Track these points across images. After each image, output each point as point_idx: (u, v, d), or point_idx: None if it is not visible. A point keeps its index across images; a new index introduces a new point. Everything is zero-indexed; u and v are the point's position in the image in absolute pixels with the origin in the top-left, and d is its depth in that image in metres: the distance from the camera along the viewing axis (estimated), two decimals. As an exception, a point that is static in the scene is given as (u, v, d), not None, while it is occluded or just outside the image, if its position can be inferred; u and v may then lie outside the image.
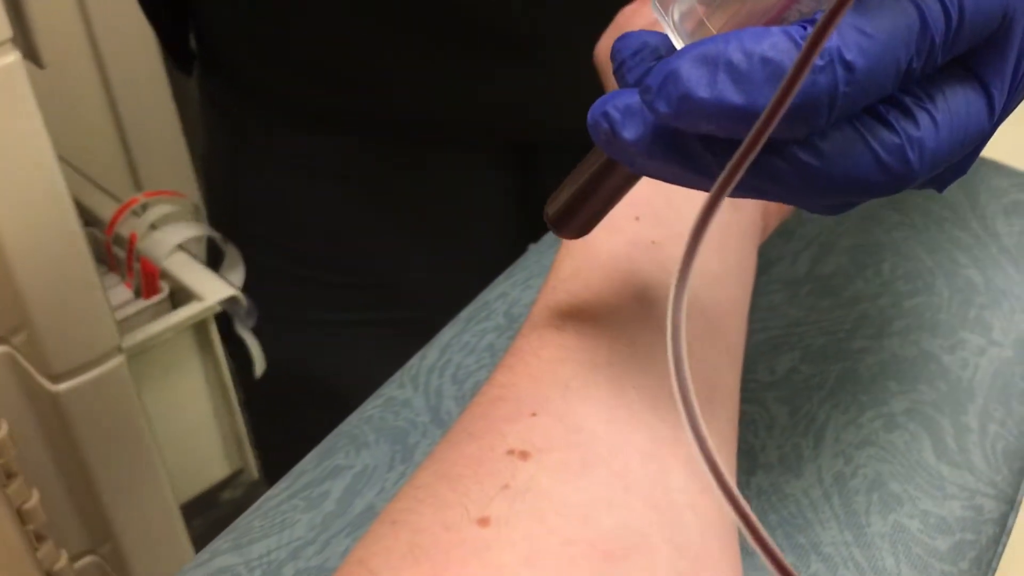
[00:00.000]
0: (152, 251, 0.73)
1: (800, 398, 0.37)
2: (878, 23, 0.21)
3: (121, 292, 0.73)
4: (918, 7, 0.22)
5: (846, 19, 0.21)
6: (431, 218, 0.64)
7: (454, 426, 0.30)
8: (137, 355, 0.66)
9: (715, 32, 0.23)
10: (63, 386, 0.58)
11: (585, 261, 0.35)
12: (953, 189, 0.47)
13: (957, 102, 0.24)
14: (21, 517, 0.51)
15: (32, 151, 0.53)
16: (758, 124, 0.19)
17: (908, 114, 0.23)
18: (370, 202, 0.63)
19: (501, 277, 0.46)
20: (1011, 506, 0.36)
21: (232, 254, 0.72)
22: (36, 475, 0.60)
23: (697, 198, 0.37)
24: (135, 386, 0.62)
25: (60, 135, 0.56)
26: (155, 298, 0.72)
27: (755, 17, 0.23)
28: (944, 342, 0.39)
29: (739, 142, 0.22)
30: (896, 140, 0.23)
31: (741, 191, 0.24)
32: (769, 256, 0.44)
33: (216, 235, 0.72)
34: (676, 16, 0.24)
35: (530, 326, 0.33)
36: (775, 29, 0.21)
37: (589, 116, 0.24)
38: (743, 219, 0.38)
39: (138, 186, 1.02)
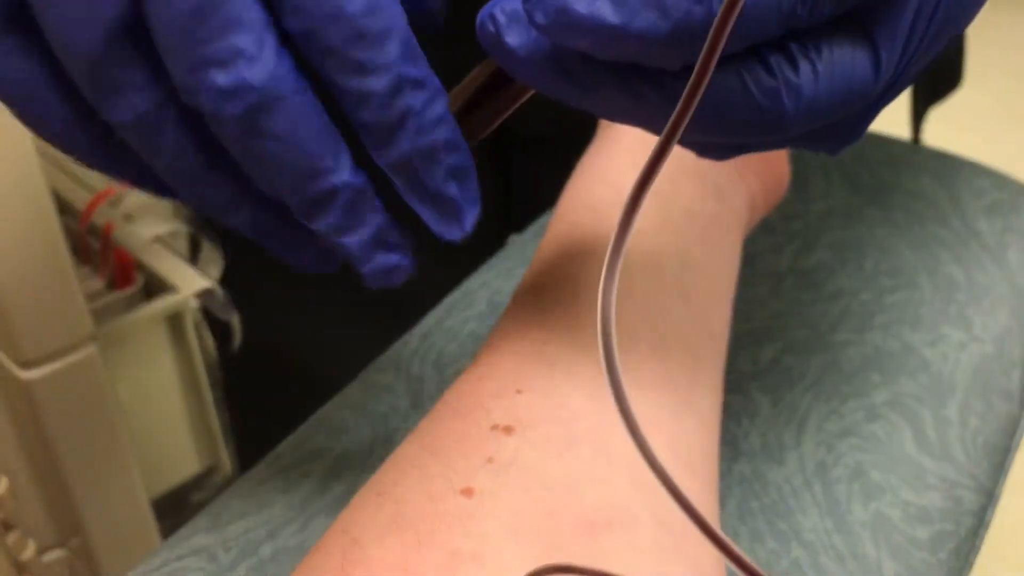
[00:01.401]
0: (127, 242, 0.72)
1: (783, 388, 0.37)
2: None
3: (94, 282, 0.73)
4: None
5: None
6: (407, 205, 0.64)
7: (438, 403, 0.30)
8: (110, 346, 0.65)
9: None
10: (34, 373, 0.57)
11: (570, 246, 0.35)
12: (935, 187, 0.47)
13: (843, 56, 0.23)
14: (-11, 503, 0.50)
15: (9, 138, 0.52)
16: (693, 79, 0.19)
17: (790, 60, 0.23)
18: None
19: (484, 267, 0.46)
20: (989, 499, 0.36)
21: (210, 247, 0.71)
22: (3, 464, 0.59)
23: (684, 184, 0.37)
24: (108, 377, 0.61)
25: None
26: (128, 289, 0.71)
27: None
28: (926, 336, 0.40)
29: (616, 64, 0.23)
30: (772, 83, 0.23)
31: (619, 119, 0.24)
32: (752, 249, 0.44)
33: (194, 229, 0.71)
34: None
35: (515, 307, 0.33)
36: None
37: (478, 17, 0.24)
38: (728, 210, 0.38)
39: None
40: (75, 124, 0.25)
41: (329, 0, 0.23)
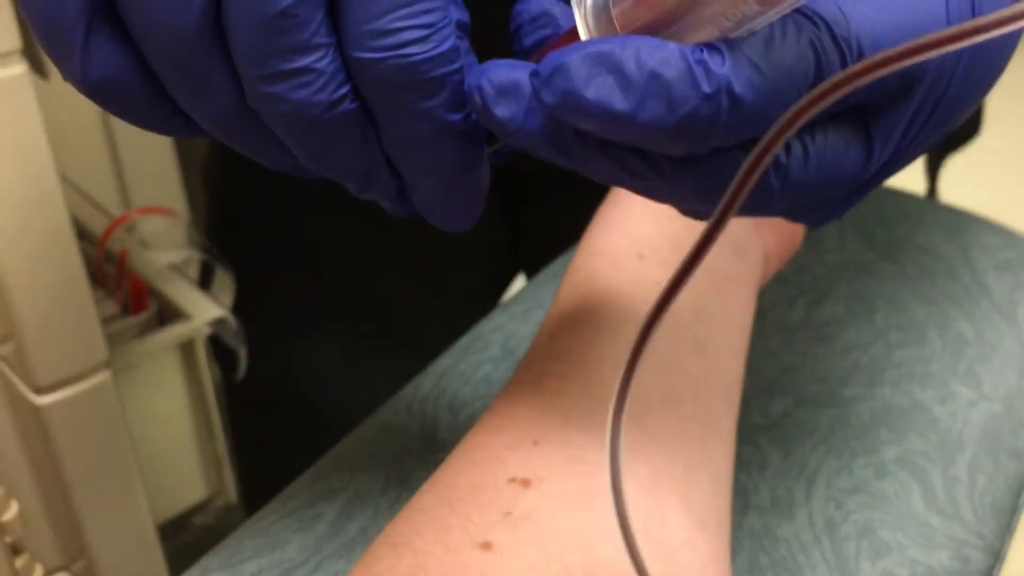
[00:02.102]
0: (142, 268, 0.73)
1: (793, 442, 0.37)
2: (774, 60, 0.21)
3: (108, 307, 0.73)
4: (816, 53, 0.22)
5: (744, 47, 0.21)
6: (415, 240, 0.64)
7: (454, 453, 0.30)
8: (122, 371, 0.66)
9: (619, 30, 0.23)
10: (47, 399, 0.57)
11: (588, 297, 0.35)
12: (946, 244, 0.48)
13: (836, 144, 0.24)
14: (1, 528, 0.50)
15: (33, 162, 0.53)
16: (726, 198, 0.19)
17: (784, 144, 0.23)
18: (356, 214, 0.62)
19: (497, 310, 0.46)
20: (996, 558, 0.36)
21: (223, 275, 0.71)
22: (13, 488, 0.59)
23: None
24: (119, 402, 0.62)
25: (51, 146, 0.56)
26: (142, 315, 0.72)
27: (661, 22, 0.23)
28: (935, 393, 0.40)
29: (611, 143, 0.23)
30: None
31: (611, 184, 0.25)
32: (765, 301, 0.44)
33: (207, 256, 0.72)
34: (589, 1, 0.24)
35: (531, 357, 0.34)
36: (673, 46, 0.21)
37: (466, 84, 0.24)
38: (744, 265, 0.39)
39: (125, 199, 1.02)
40: (161, 113, 0.25)
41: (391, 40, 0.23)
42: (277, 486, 0.41)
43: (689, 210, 0.26)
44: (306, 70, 0.23)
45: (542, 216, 0.66)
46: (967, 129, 0.59)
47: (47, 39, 0.24)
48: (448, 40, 0.23)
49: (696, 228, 0.38)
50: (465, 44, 0.26)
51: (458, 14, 0.25)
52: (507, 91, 0.23)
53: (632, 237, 0.38)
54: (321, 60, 0.23)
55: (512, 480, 0.27)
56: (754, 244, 0.39)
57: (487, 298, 0.69)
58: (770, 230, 0.41)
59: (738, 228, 0.39)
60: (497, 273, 0.71)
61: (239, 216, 0.68)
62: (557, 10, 0.26)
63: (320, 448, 0.41)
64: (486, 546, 0.25)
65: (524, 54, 0.27)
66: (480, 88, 0.24)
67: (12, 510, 0.52)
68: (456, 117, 0.24)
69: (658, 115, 0.21)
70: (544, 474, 0.28)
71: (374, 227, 0.63)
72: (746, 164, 0.18)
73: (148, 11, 0.22)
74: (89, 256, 0.74)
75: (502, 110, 0.23)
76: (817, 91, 0.17)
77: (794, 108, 0.17)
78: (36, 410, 0.57)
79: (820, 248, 0.48)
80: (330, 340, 0.66)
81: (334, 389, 0.67)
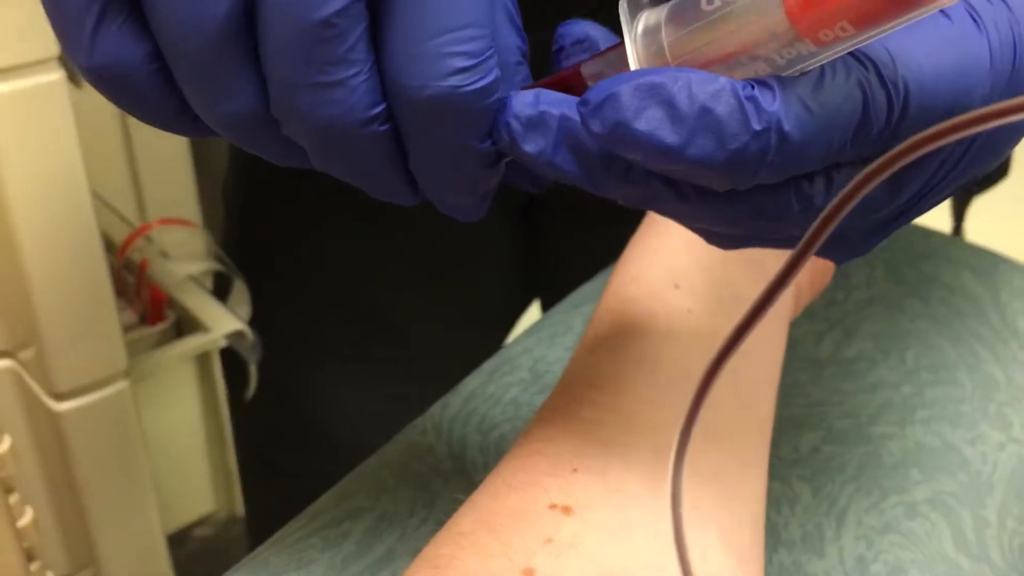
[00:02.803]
0: (161, 279, 0.73)
1: (823, 478, 0.37)
2: (824, 100, 0.22)
3: (127, 316, 0.73)
4: (864, 94, 0.22)
5: (796, 85, 0.22)
6: (432, 265, 0.64)
7: (491, 477, 0.30)
8: (138, 380, 0.66)
9: (670, 60, 0.23)
10: (65, 405, 0.57)
11: (623, 325, 0.35)
12: (975, 284, 0.48)
13: (876, 189, 0.24)
14: (16, 533, 0.50)
15: (66, 168, 0.53)
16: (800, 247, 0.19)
17: (809, 179, 0.23)
18: (374, 235, 0.62)
19: (525, 333, 0.46)
20: (1025, 604, 0.36)
21: (240, 287, 0.71)
22: (27, 494, 0.59)
23: (735, 268, 0.38)
24: (135, 412, 0.61)
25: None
26: (160, 325, 0.72)
27: (713, 55, 0.22)
28: (966, 434, 0.40)
29: (642, 173, 0.23)
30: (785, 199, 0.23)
31: (643, 208, 0.25)
32: (793, 335, 0.44)
33: (224, 268, 0.72)
34: (640, 26, 0.23)
35: (566, 384, 0.34)
36: (724, 80, 0.21)
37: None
38: (779, 299, 0.39)
39: (143, 210, 1.02)
40: (168, 109, 0.24)
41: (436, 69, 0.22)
42: (280, 504, 0.40)
43: (714, 238, 0.26)
44: (340, 84, 0.22)
45: (558, 245, 0.66)
46: (995, 170, 0.59)
47: (57, 18, 0.23)
48: (493, 71, 0.23)
49: (732, 259, 0.38)
50: (524, 71, 0.26)
51: (516, 40, 0.25)
52: (534, 125, 0.23)
53: (668, 266, 0.38)
54: (357, 76, 0.22)
55: (553, 507, 0.27)
56: None
57: (500, 326, 0.69)
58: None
59: (771, 259, 0.39)
60: (512, 301, 0.71)
61: (256, 234, 0.68)
62: (599, 34, 0.26)
63: (324, 470, 0.41)
64: (528, 572, 0.25)
65: None
66: (508, 125, 0.23)
67: (27, 516, 0.52)
68: (487, 145, 0.24)
69: (707, 150, 0.21)
70: (585, 502, 0.28)
71: (392, 252, 0.63)
72: (827, 209, 0.17)
73: (172, 1, 0.22)
74: (109, 265, 0.74)
75: (531, 146, 0.23)
76: (931, 132, 0.17)
77: (896, 150, 0.17)
78: (54, 416, 0.57)
79: (848, 284, 0.48)
80: (341, 362, 0.66)
81: (342, 412, 0.66)
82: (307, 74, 0.22)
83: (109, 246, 0.75)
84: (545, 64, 0.27)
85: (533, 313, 0.70)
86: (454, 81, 0.22)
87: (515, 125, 0.23)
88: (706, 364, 0.35)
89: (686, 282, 0.37)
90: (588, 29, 0.26)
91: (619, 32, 0.24)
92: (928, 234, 0.51)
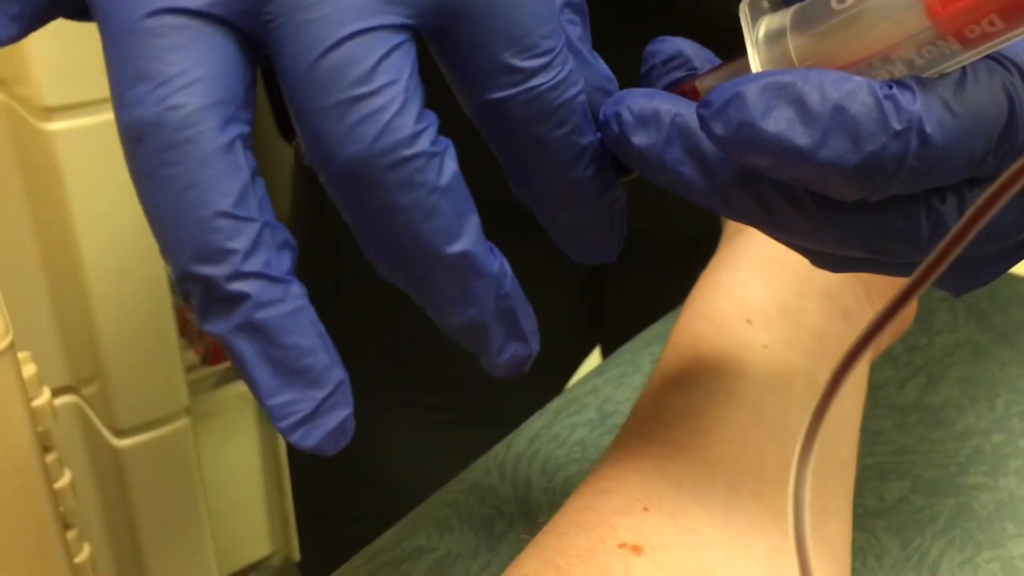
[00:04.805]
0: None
1: (911, 530, 0.35)
2: (967, 102, 0.20)
3: (189, 355, 0.73)
4: (1011, 99, 0.20)
5: (937, 86, 0.20)
6: None
7: (557, 516, 0.28)
8: (198, 420, 0.65)
9: (797, 63, 0.22)
10: (126, 442, 0.57)
11: (694, 361, 0.34)
12: (1069, 331, 0.45)
13: (1005, 207, 0.22)
14: (74, 570, 0.50)
15: (132, 209, 0.53)
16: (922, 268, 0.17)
17: (941, 196, 0.21)
18: None
19: (591, 372, 0.45)
20: None
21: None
22: (85, 530, 0.59)
23: (811, 303, 0.36)
24: (195, 451, 0.61)
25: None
26: (222, 364, 0.72)
27: (844, 57, 0.21)
28: (1064, 487, 0.37)
29: (758, 179, 0.21)
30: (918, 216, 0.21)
31: (751, 221, 0.23)
32: (875, 380, 0.42)
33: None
34: (762, 32, 0.22)
35: (636, 421, 0.32)
36: (859, 79, 0.20)
37: (601, 114, 0.23)
38: (855, 334, 0.37)
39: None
40: None
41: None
42: (335, 551, 0.39)
43: (825, 260, 0.25)
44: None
45: (624, 292, 0.65)
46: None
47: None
48: (568, 62, 0.23)
49: (806, 294, 0.36)
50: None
51: (603, 67, 0.25)
52: (646, 120, 0.23)
53: (738, 301, 0.36)
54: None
55: (622, 546, 0.26)
56: (865, 312, 0.37)
57: (561, 373, 0.68)
58: (882, 299, 0.39)
59: (849, 295, 0.37)
60: (574, 348, 0.69)
61: (316, 280, 0.68)
62: (692, 51, 0.25)
63: (381, 516, 0.40)
64: (599, 615, 0.23)
65: None
66: (619, 116, 0.23)
67: (84, 552, 0.51)
68: (587, 140, 0.24)
69: (841, 152, 0.20)
70: (656, 543, 0.26)
71: None
72: (957, 227, 0.16)
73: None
74: (173, 304, 0.75)
75: (641, 138, 0.23)
76: None
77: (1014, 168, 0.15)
78: (114, 452, 0.57)
79: (931, 329, 0.46)
80: (398, 408, 0.65)
81: (399, 458, 0.65)
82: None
83: (173, 286, 0.75)
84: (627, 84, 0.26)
85: (594, 360, 0.68)
86: (533, 82, 0.22)
87: (626, 116, 0.23)
88: (785, 402, 0.34)
89: (759, 317, 0.35)
90: (681, 46, 0.25)
91: (715, 47, 0.23)
92: (1015, 279, 0.49)
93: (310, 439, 0.22)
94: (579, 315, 0.66)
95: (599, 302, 0.66)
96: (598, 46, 0.26)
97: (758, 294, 0.36)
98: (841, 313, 0.37)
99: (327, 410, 0.22)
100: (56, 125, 0.48)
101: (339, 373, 0.23)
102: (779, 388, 0.33)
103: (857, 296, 0.37)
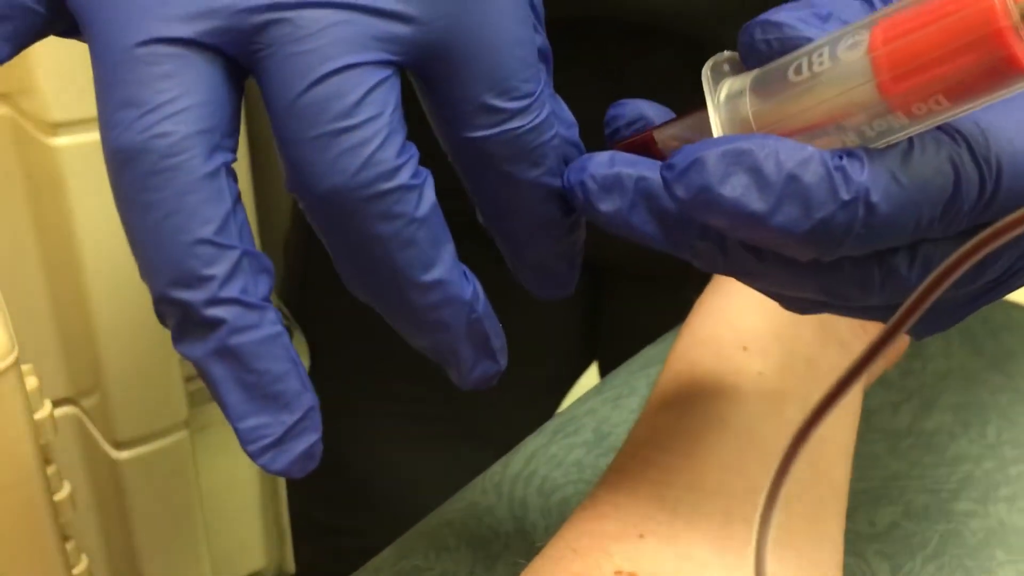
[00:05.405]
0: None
1: (902, 555, 0.35)
2: (913, 172, 0.21)
3: (188, 367, 0.74)
4: (956, 171, 0.21)
5: (884, 157, 0.21)
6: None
7: (554, 541, 0.29)
8: (197, 431, 0.66)
9: (755, 128, 0.23)
10: (125, 454, 0.58)
11: (690, 387, 0.34)
12: (1060, 359, 0.46)
13: (947, 256, 0.23)
14: (71, 582, 0.50)
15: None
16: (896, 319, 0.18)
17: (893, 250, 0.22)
18: None
19: (589, 393, 0.45)
20: None
21: (300, 340, 0.71)
22: (83, 542, 0.59)
23: (806, 331, 0.37)
24: (193, 463, 0.61)
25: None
26: (220, 377, 0.72)
27: (799, 123, 0.22)
28: (1053, 515, 0.38)
29: (721, 239, 0.23)
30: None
31: (718, 272, 0.24)
32: (869, 405, 0.42)
33: (285, 320, 0.72)
34: (723, 94, 0.23)
35: (632, 446, 0.33)
36: (812, 149, 0.21)
37: (565, 180, 0.24)
38: (849, 361, 0.37)
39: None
40: None
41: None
42: (330, 565, 0.39)
43: (790, 303, 0.26)
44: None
45: (621, 308, 0.65)
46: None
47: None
48: (546, 106, 0.24)
49: (802, 322, 0.37)
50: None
51: (569, 115, 0.26)
52: (610, 186, 0.23)
53: (735, 328, 0.37)
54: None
55: (618, 573, 0.26)
56: (859, 340, 0.38)
57: (558, 390, 0.68)
58: (876, 328, 0.39)
59: (842, 323, 0.37)
60: (571, 365, 0.70)
61: (314, 296, 0.68)
62: (653, 112, 0.26)
63: (376, 531, 0.40)
64: (596, 641, 0.24)
65: None
66: (583, 184, 0.24)
67: (82, 564, 0.51)
68: (559, 182, 0.25)
69: (792, 218, 0.21)
70: (652, 569, 0.26)
71: None
72: (919, 290, 0.17)
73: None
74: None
75: (607, 205, 0.23)
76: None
77: (993, 228, 0.16)
78: (113, 464, 0.57)
79: (924, 354, 0.47)
80: (395, 422, 0.65)
81: (395, 473, 0.65)
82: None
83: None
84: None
85: (590, 377, 0.69)
86: (512, 124, 0.23)
87: (591, 185, 0.24)
88: (779, 428, 0.34)
89: (755, 344, 0.36)
90: (642, 108, 0.26)
91: (675, 109, 0.24)
92: (1008, 306, 0.50)
93: (277, 463, 0.23)
94: (575, 332, 0.66)
95: (596, 319, 0.66)
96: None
97: (754, 321, 0.36)
98: (835, 341, 0.37)
99: (296, 435, 0.23)
100: (62, 140, 0.48)
101: (310, 399, 0.23)
102: (771, 415, 0.33)
103: (851, 325, 0.38)
